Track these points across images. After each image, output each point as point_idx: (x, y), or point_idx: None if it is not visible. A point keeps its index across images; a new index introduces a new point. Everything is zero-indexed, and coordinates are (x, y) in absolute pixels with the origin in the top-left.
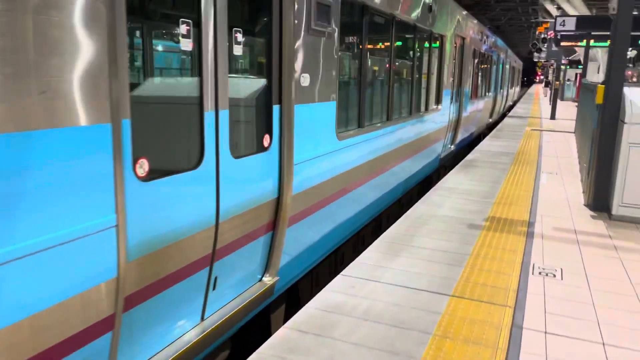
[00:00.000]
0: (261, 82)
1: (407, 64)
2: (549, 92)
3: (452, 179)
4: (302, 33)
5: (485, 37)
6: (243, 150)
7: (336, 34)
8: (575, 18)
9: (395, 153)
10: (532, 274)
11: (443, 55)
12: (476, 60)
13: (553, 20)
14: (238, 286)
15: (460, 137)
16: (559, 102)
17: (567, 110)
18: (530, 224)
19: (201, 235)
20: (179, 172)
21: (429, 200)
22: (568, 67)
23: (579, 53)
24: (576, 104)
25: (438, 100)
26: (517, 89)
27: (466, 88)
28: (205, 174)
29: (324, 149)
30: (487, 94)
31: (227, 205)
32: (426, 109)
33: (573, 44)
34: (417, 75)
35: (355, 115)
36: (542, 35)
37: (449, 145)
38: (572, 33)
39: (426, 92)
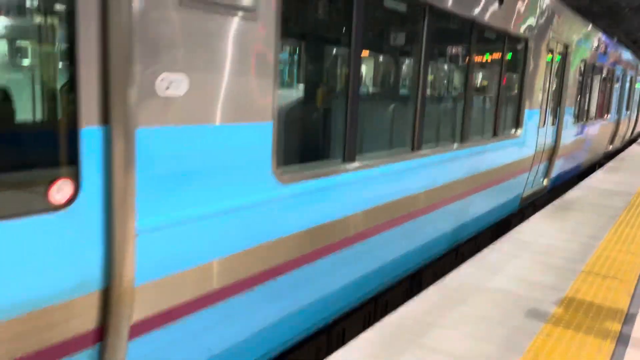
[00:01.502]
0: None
1: (451, 72)
2: None
3: (533, 227)
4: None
5: (603, 48)
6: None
7: (270, 15)
8: None
9: (424, 197)
10: None
11: (526, 65)
12: (587, 75)
13: None
14: None
15: (558, 170)
16: None
17: None
18: (628, 318)
19: None
20: None
21: (482, 262)
22: None
23: None
24: None
25: (516, 124)
26: None
27: (569, 109)
28: None
29: (237, 201)
30: (605, 116)
31: None
32: (495, 134)
33: None
34: (471, 89)
35: (337, 141)
36: None
37: (541, 180)
38: None
39: (495, 113)
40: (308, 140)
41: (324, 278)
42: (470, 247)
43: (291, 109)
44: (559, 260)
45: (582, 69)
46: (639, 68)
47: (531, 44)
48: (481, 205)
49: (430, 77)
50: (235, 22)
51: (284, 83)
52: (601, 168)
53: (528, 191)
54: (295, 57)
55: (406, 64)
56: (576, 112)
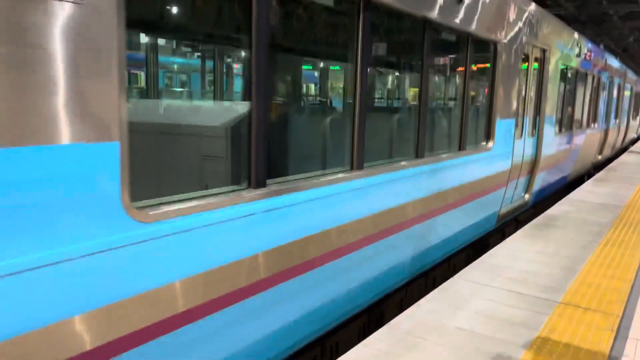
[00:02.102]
0: None
1: (400, 79)
2: None
3: (510, 248)
4: None
5: (587, 54)
6: None
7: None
8: None
9: (370, 223)
10: None
11: (496, 71)
12: (571, 83)
13: None
14: None
15: (540, 183)
16: None
17: None
18: None
19: None
20: None
21: (446, 293)
22: None
23: None
24: None
25: (487, 136)
26: None
27: (550, 118)
28: None
29: (60, 249)
30: (592, 125)
31: None
32: (461, 147)
33: None
34: (426, 98)
35: (242, 163)
36: None
37: (521, 195)
38: None
39: (460, 125)
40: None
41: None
42: (443, 270)
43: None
44: (535, 289)
45: (564, 75)
46: (627, 75)
47: (500, 48)
48: (449, 227)
49: (375, 84)
50: (50, 5)
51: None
52: (590, 179)
53: (506, 207)
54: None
55: (344, 68)
56: (559, 121)
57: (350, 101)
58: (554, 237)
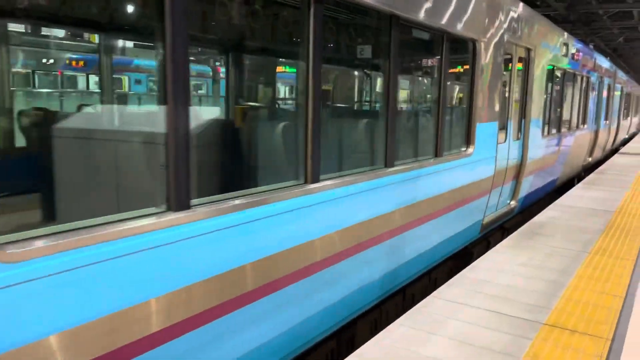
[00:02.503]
0: None
1: (364, 80)
2: None
3: (493, 260)
4: None
5: (575, 53)
6: None
7: None
8: None
9: (329, 242)
10: None
11: (475, 72)
12: (558, 83)
13: None
14: None
15: (527, 189)
16: None
17: None
18: None
19: None
20: None
21: (420, 315)
22: None
23: None
24: None
25: (467, 141)
26: (636, 120)
27: (536, 120)
28: None
29: None
30: (581, 126)
31: None
32: (437, 154)
33: None
34: (393, 101)
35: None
36: None
37: (508, 202)
38: None
39: (436, 129)
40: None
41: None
42: (424, 284)
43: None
44: (518, 309)
45: (552, 76)
46: (617, 76)
47: (480, 47)
48: (426, 240)
49: (331, 86)
50: None
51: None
52: (580, 182)
53: (490, 216)
54: None
55: (294, 67)
56: (547, 123)
57: (302, 104)
58: (541, 247)
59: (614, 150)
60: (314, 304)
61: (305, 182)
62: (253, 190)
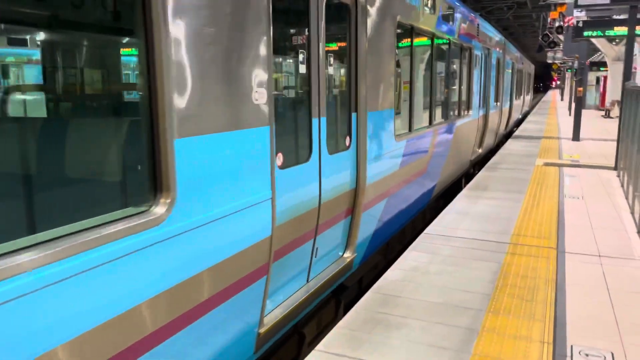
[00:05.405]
0: None
1: None
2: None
3: None
4: None
5: (447, 12)
6: None
7: None
8: None
9: None
10: None
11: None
12: (421, 54)
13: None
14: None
15: (376, 222)
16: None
17: (594, 124)
18: None
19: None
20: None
21: None
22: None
23: (603, 52)
24: (602, 113)
25: (156, 189)
26: (528, 98)
27: (380, 114)
28: None
29: None
30: (464, 113)
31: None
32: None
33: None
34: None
35: None
36: (557, 23)
37: (332, 260)
38: (604, 8)
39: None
40: None
41: None
42: None
43: None
44: None
45: (408, 42)
46: (507, 49)
47: None
48: None
49: None
50: None
51: None
52: (465, 189)
53: (275, 314)
54: None
55: None
56: (405, 117)
57: None
58: (394, 340)
59: (508, 134)
60: None
61: None
62: None
